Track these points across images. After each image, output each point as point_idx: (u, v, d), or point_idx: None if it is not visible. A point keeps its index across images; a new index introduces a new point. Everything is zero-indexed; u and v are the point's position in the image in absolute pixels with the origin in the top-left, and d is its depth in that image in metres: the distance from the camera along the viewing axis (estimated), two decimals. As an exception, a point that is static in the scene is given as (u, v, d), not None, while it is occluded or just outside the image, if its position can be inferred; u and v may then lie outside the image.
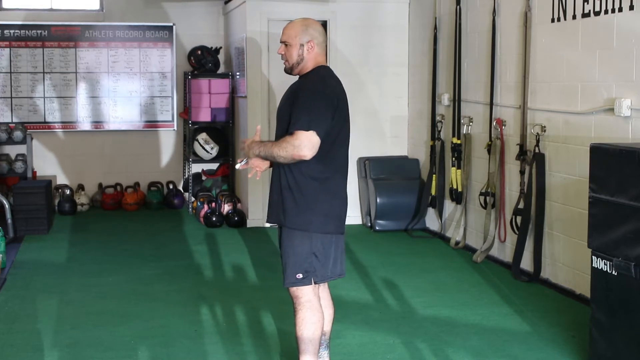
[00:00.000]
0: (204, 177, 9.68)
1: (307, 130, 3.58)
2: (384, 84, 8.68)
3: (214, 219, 8.45)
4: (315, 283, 3.78)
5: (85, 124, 9.68)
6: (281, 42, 3.88)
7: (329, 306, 4.00)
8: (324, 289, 3.98)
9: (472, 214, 7.32)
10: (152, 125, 9.87)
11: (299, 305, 3.79)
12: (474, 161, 7.29)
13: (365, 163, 8.41)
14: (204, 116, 9.36)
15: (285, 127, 3.70)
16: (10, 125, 9.10)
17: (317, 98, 3.65)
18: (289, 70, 3.89)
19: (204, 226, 8.51)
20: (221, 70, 9.70)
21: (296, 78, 3.93)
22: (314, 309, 3.78)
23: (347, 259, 6.99)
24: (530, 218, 6.28)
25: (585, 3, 5.53)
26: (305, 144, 3.58)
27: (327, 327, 3.98)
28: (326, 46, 3.94)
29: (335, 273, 3.87)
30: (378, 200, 8.12)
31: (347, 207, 3.90)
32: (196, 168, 9.75)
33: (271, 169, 3.92)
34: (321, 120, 3.62)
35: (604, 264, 4.16)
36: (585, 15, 5.55)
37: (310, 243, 3.74)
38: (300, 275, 3.74)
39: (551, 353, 4.64)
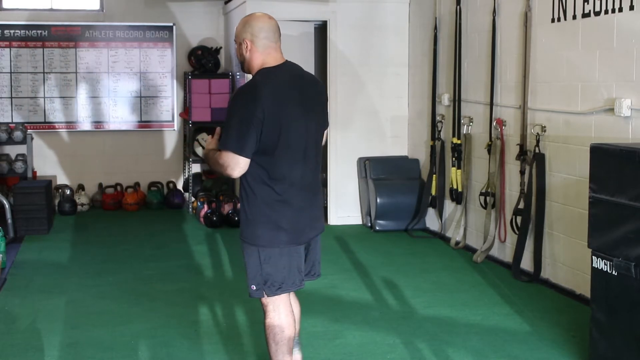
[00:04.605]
0: (204, 177, 9.68)
1: (227, 150, 3.48)
2: (384, 84, 8.68)
3: (214, 219, 8.45)
4: (267, 296, 3.65)
5: (85, 124, 9.69)
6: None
7: (294, 305, 3.90)
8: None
9: (472, 214, 7.32)
10: (152, 125, 9.87)
11: (265, 312, 3.71)
12: (474, 161, 7.29)
13: (366, 163, 8.42)
14: (204, 116, 9.36)
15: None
16: (10, 125, 9.10)
17: (238, 114, 3.47)
18: (242, 70, 3.75)
19: (204, 226, 8.51)
20: (221, 70, 9.70)
21: None
22: (278, 318, 3.68)
23: (347, 259, 6.99)
24: (531, 218, 6.28)
25: (585, 3, 5.53)
26: (229, 164, 3.48)
27: (297, 326, 3.89)
28: (278, 42, 3.67)
29: (293, 284, 3.69)
30: (378, 200, 8.12)
31: (309, 213, 3.69)
32: (196, 168, 9.76)
33: None
34: (243, 139, 3.44)
35: (604, 264, 4.16)
36: (585, 15, 5.55)
37: (258, 257, 3.64)
38: (254, 287, 3.66)
39: (551, 353, 4.64)
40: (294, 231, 3.64)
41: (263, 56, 3.63)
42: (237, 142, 3.46)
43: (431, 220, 8.21)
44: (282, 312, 3.69)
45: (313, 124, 3.67)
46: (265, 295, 3.66)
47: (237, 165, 3.49)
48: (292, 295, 3.89)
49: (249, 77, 9.26)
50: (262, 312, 5.26)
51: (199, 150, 9.31)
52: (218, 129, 3.73)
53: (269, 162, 3.54)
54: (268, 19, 3.69)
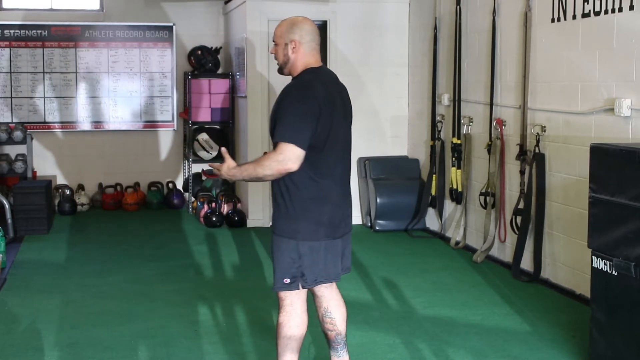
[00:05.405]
0: (204, 177, 9.68)
1: (289, 142, 3.51)
2: (384, 84, 8.69)
3: (214, 219, 8.45)
4: (303, 288, 3.74)
5: (85, 124, 9.68)
6: (273, 41, 3.84)
7: (340, 305, 3.96)
8: (331, 290, 3.93)
9: (472, 214, 7.32)
10: (152, 125, 9.87)
11: (281, 307, 3.78)
12: (474, 161, 7.29)
13: (365, 163, 8.42)
14: (204, 116, 9.36)
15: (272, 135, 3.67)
16: (10, 125, 9.10)
17: (296, 108, 3.55)
18: (280, 70, 3.83)
19: (204, 226, 8.51)
20: (221, 70, 9.70)
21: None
22: (294, 313, 3.75)
23: (347, 259, 6.99)
24: (530, 218, 6.28)
25: (585, 3, 5.53)
26: (289, 157, 3.51)
27: (341, 327, 3.95)
28: (319, 45, 3.79)
29: (328, 277, 3.78)
30: (378, 200, 8.12)
31: (343, 210, 3.80)
32: (196, 168, 9.76)
33: None
34: (302, 131, 3.52)
35: (604, 264, 4.16)
36: (585, 15, 5.55)
37: (297, 250, 3.68)
38: (287, 281, 3.71)
39: (551, 353, 4.64)
40: (331, 226, 3.73)
41: (307, 57, 3.74)
42: (297, 135, 3.53)
43: (431, 220, 8.21)
44: (299, 308, 3.76)
45: (348, 126, 3.83)
46: (301, 287, 3.73)
47: (298, 158, 3.54)
48: (338, 296, 3.96)
49: (249, 77, 9.27)
50: (262, 312, 5.26)
51: (199, 151, 9.31)
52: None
53: (317, 157, 3.63)
54: (312, 23, 3.82)
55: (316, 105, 3.57)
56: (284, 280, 3.71)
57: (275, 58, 3.81)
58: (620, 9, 5.17)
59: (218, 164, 3.77)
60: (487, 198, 6.88)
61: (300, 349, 3.82)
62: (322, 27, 8.74)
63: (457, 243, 7.44)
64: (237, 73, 9.11)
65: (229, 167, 3.69)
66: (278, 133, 3.55)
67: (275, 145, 3.58)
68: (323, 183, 3.68)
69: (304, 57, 3.73)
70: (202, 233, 8.20)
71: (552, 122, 6.04)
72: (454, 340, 4.84)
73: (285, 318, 3.75)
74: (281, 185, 3.68)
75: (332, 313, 3.92)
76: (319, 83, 3.68)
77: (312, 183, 3.65)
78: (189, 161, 9.52)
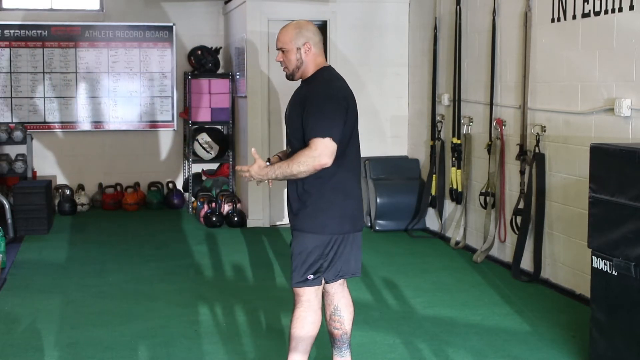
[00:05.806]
0: (204, 177, 9.68)
1: (323, 137, 3.58)
2: (384, 84, 8.69)
3: (214, 219, 8.46)
4: (326, 282, 3.81)
5: (85, 124, 9.69)
6: (277, 49, 3.86)
7: (349, 305, 3.99)
8: (343, 288, 3.96)
9: (472, 214, 7.32)
10: (152, 125, 9.87)
11: (298, 303, 3.81)
12: (474, 161, 7.29)
13: (365, 163, 8.42)
14: (204, 116, 9.36)
15: (297, 135, 3.71)
16: (10, 125, 9.10)
17: (327, 104, 3.63)
18: (290, 77, 3.86)
19: (204, 226, 8.51)
20: (221, 70, 9.70)
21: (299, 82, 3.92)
22: (311, 309, 3.80)
23: (347, 259, 6.99)
24: (530, 218, 6.28)
25: (585, 3, 5.53)
26: (325, 152, 3.58)
27: (348, 327, 3.98)
28: (324, 44, 3.93)
29: (348, 271, 3.86)
30: (378, 200, 8.12)
31: (361, 203, 3.89)
32: (196, 168, 9.76)
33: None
34: (334, 126, 3.61)
35: (604, 264, 4.16)
36: (585, 15, 5.55)
37: (324, 245, 3.74)
38: (311, 276, 3.76)
39: (551, 353, 4.64)
40: (354, 218, 3.82)
41: (318, 57, 3.84)
42: (331, 130, 3.61)
43: (431, 220, 8.21)
44: (315, 305, 3.80)
45: (358, 124, 3.89)
46: (324, 282, 3.79)
47: (332, 152, 3.62)
48: (348, 295, 3.99)
49: (249, 77, 9.24)
50: (262, 312, 5.26)
51: (199, 151, 9.31)
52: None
53: (342, 152, 3.70)
54: (313, 24, 3.91)
55: (343, 100, 3.69)
56: (308, 276, 3.75)
57: (282, 65, 3.84)
58: (620, 9, 5.17)
59: (246, 165, 3.81)
60: (487, 198, 6.88)
61: (309, 351, 3.84)
62: (322, 27, 8.73)
63: (457, 243, 7.44)
64: (237, 73, 9.10)
65: (260, 167, 3.73)
66: (311, 129, 3.61)
67: (307, 143, 3.62)
68: (346, 177, 3.76)
69: (316, 57, 3.81)
70: (202, 233, 8.20)
71: (552, 122, 6.04)
72: (454, 340, 4.84)
73: (302, 313, 3.79)
74: (305, 182, 3.72)
75: (341, 312, 3.95)
76: (339, 80, 3.80)
77: (336, 177, 3.72)
78: (189, 161, 9.52)
